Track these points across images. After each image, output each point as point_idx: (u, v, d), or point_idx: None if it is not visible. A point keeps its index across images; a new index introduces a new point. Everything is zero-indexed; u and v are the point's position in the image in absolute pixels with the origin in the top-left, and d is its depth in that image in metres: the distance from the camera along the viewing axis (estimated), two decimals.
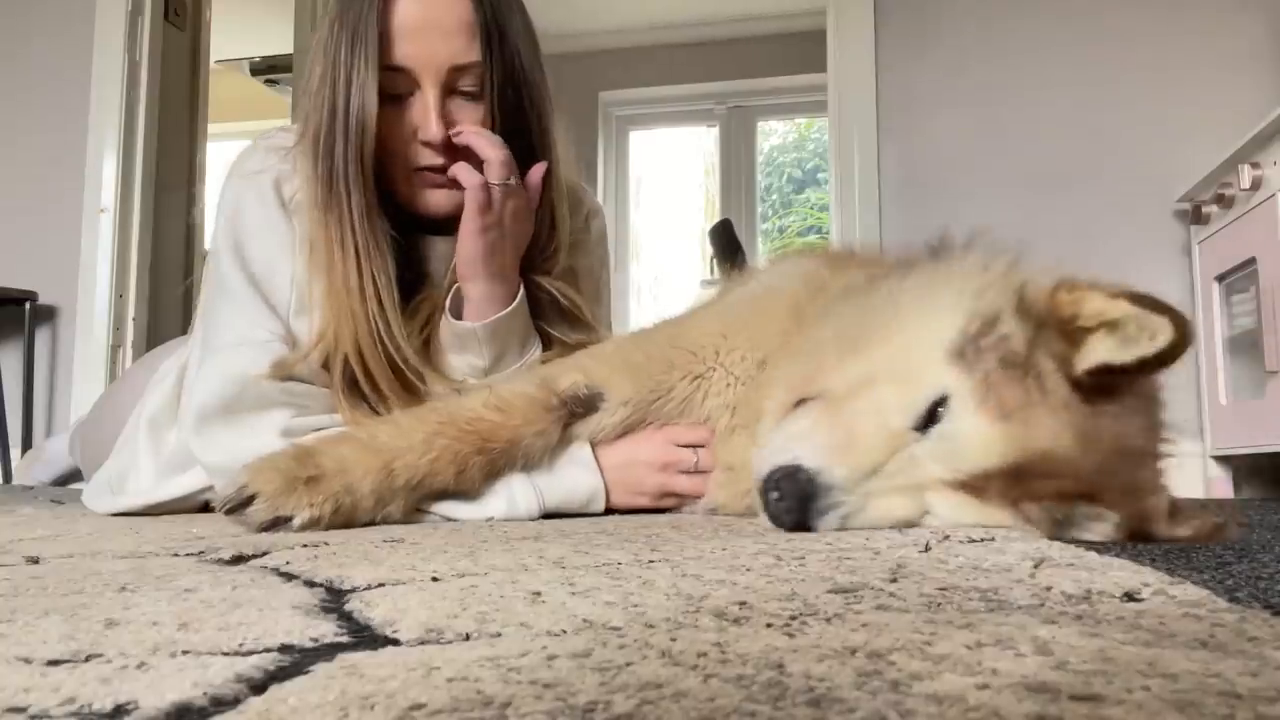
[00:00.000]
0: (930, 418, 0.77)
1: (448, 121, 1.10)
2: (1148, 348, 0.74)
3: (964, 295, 0.81)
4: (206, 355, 1.08)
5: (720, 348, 1.07)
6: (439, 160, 1.11)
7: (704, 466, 1.06)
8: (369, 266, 1.07)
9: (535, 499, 0.99)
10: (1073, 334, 0.77)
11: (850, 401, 0.81)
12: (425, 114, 1.09)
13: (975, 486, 0.77)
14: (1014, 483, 0.76)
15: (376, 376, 1.07)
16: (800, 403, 0.86)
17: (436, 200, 1.15)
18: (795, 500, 0.77)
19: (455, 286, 1.14)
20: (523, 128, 1.15)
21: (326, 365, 1.08)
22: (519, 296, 1.13)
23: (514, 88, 1.13)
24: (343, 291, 1.07)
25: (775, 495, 0.78)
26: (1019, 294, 0.80)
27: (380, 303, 1.08)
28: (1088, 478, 0.76)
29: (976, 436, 0.76)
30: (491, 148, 1.08)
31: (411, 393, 1.09)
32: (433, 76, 1.09)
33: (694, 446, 1.06)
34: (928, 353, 0.79)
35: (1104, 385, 0.76)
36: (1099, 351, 0.76)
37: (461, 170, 1.08)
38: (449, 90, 1.11)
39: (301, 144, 1.12)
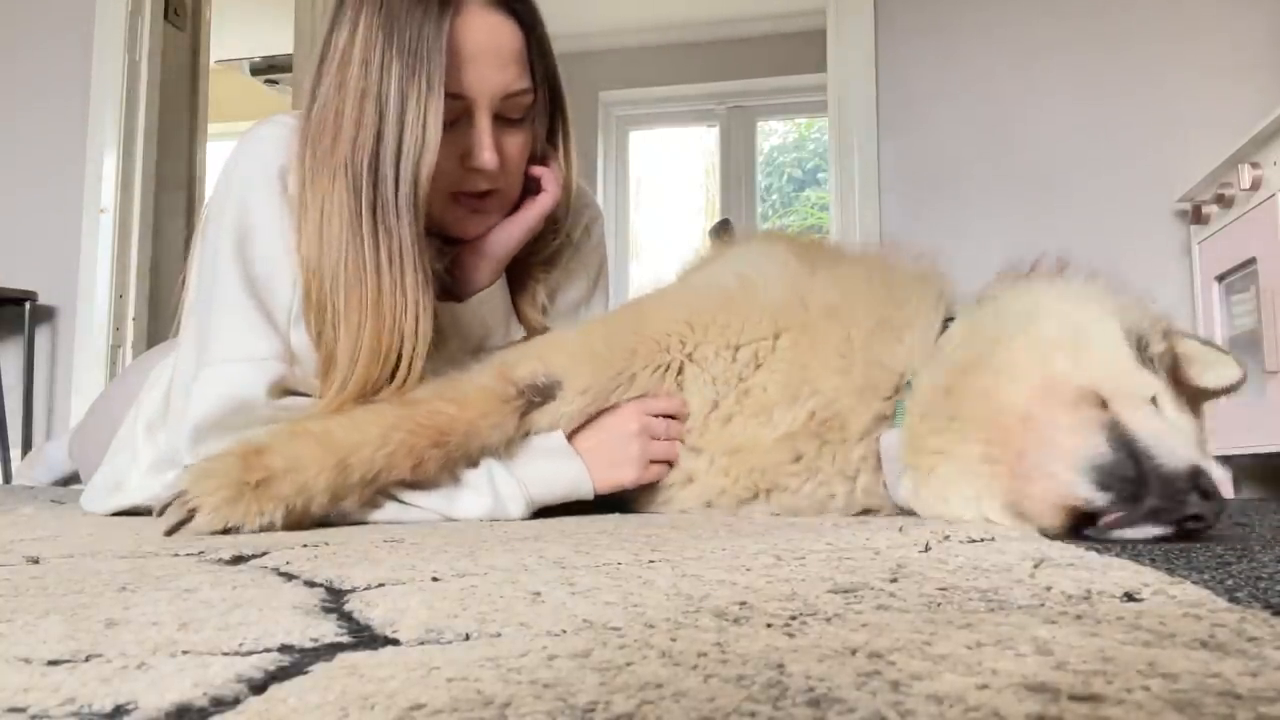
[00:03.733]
0: None
1: (496, 148, 1.11)
2: (1227, 378, 0.98)
3: (1116, 316, 0.93)
4: (203, 366, 1.05)
5: (687, 339, 1.07)
6: (486, 186, 1.13)
7: (674, 434, 1.07)
8: (414, 292, 1.05)
9: (520, 493, 1.00)
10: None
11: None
12: (480, 141, 1.09)
13: None
14: None
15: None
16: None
17: (474, 224, 1.17)
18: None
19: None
20: (551, 140, 1.22)
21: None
22: (501, 278, 1.22)
23: (553, 106, 1.20)
24: (384, 315, 1.03)
25: (1202, 497, 0.78)
26: (1163, 323, 0.96)
27: (417, 329, 1.04)
28: None
29: (1191, 431, 0.88)
30: (555, 183, 1.19)
31: None
32: (487, 104, 1.09)
33: (665, 416, 1.07)
34: (1130, 361, 0.89)
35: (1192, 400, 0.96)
36: (1207, 378, 0.98)
37: (548, 175, 1.19)
38: (496, 116, 1.11)
39: (314, 151, 1.07)
